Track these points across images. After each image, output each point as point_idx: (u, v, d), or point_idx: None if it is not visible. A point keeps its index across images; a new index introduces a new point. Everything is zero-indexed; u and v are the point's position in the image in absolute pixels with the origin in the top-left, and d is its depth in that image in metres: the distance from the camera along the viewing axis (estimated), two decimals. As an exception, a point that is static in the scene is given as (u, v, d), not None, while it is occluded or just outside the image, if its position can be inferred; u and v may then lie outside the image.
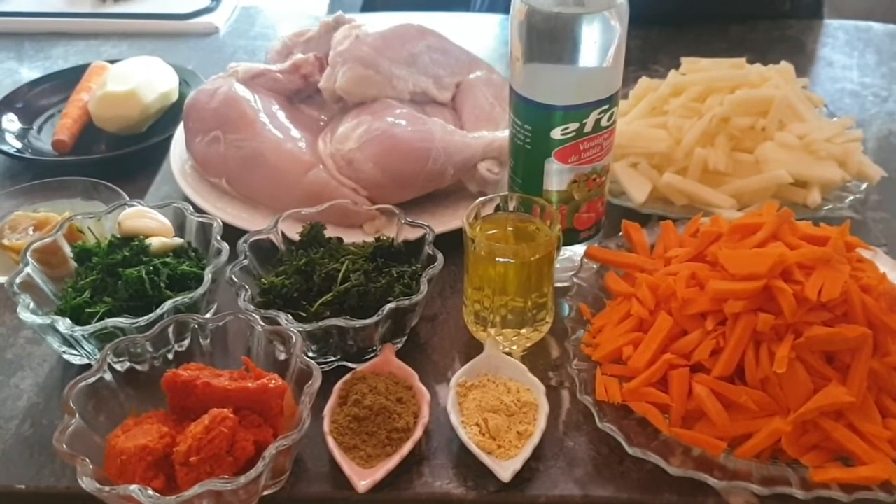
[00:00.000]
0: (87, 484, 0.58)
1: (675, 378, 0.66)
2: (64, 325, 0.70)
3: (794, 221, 0.72)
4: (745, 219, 0.73)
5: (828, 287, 0.65)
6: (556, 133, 0.74)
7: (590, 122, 0.73)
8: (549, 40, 0.70)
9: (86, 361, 0.76)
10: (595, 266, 0.81)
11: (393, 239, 0.80)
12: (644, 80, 1.04)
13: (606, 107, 0.73)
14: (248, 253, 0.78)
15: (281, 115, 0.95)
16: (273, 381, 0.65)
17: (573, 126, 0.73)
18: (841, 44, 1.35)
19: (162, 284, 0.75)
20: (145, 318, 0.71)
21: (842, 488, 0.61)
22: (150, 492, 0.57)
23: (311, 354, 0.74)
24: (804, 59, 1.31)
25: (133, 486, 0.57)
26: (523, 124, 0.75)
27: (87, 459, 0.59)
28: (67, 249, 0.81)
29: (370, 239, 0.82)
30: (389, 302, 0.72)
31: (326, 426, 0.68)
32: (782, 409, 0.65)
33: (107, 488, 0.57)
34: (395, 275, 0.76)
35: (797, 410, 0.64)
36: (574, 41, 0.69)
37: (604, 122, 0.74)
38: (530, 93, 0.73)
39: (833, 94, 1.20)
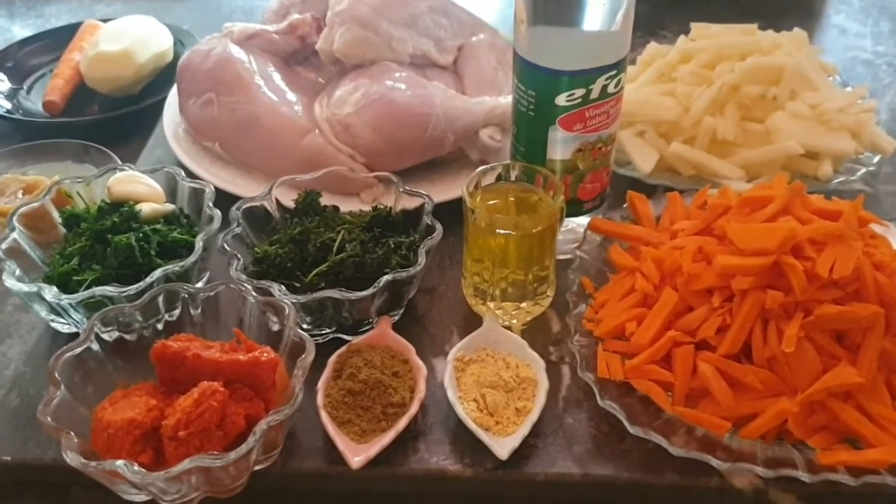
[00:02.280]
0: (72, 458, 0.56)
1: (679, 355, 0.64)
2: (50, 293, 0.68)
3: (806, 195, 0.69)
4: (755, 191, 0.71)
5: (840, 264, 0.62)
6: (561, 99, 0.71)
7: (596, 89, 0.70)
8: (555, 1, 0.67)
9: (74, 330, 0.74)
10: (598, 238, 0.78)
11: (391, 208, 0.78)
12: (652, 46, 1.01)
13: (614, 73, 0.71)
14: (240, 220, 0.76)
15: (276, 77, 0.93)
16: (265, 354, 0.63)
17: (579, 92, 0.70)
18: (855, 11, 1.32)
19: (152, 252, 0.73)
20: (134, 286, 0.69)
21: (849, 472, 0.59)
22: (137, 467, 0.55)
23: (304, 326, 0.72)
24: (817, 26, 1.27)
25: (119, 462, 0.55)
26: (527, 90, 0.73)
27: (72, 433, 0.57)
28: (55, 214, 0.78)
29: (367, 207, 0.80)
30: (386, 274, 0.69)
31: (320, 400, 0.66)
32: (789, 389, 0.63)
33: (92, 463, 0.55)
34: (393, 245, 0.73)
35: (805, 391, 0.62)
36: (581, 3, 0.66)
37: (611, 89, 0.71)
38: (535, 57, 0.70)
39: (845, 62, 1.17)
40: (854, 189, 0.86)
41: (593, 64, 0.69)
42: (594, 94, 0.71)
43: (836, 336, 0.63)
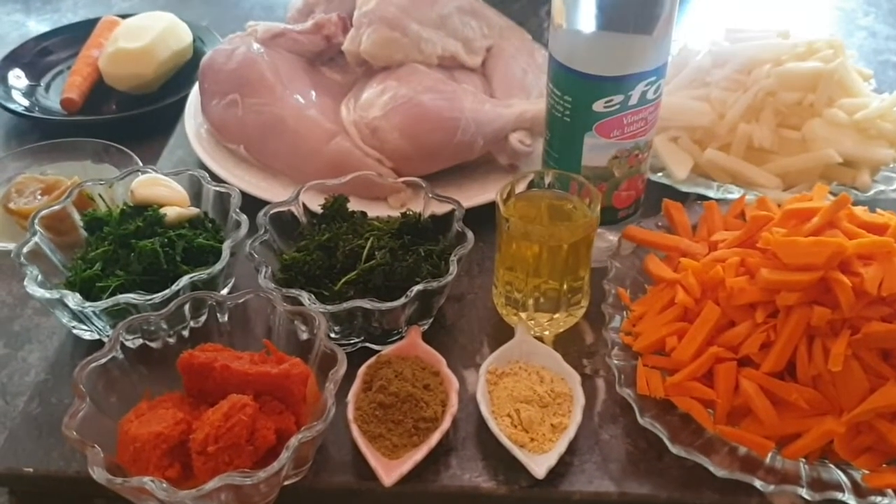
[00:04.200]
0: (99, 474, 0.54)
1: (721, 372, 0.62)
2: (74, 300, 0.66)
3: (851, 207, 0.67)
4: (798, 203, 0.68)
5: (888, 280, 0.60)
6: (599, 105, 0.69)
7: (635, 95, 0.69)
8: (595, 5, 0.65)
9: (96, 337, 0.72)
10: (632, 247, 0.76)
11: (420, 214, 0.76)
12: (683, 47, 0.98)
13: (654, 78, 0.69)
14: (268, 227, 0.74)
15: (302, 78, 0.90)
16: (296, 367, 0.61)
17: (617, 98, 0.68)
18: (884, 13, 1.29)
19: (177, 258, 0.71)
20: (160, 294, 0.67)
21: (898, 496, 0.58)
22: (165, 484, 0.53)
23: (333, 335, 0.70)
24: (845, 28, 1.25)
25: (147, 479, 0.53)
26: (563, 95, 0.71)
27: (98, 448, 0.55)
28: (77, 217, 0.77)
29: (394, 212, 0.78)
30: (417, 283, 0.68)
31: (351, 413, 0.64)
32: (835, 409, 0.61)
33: (119, 480, 0.54)
34: (423, 253, 0.72)
35: (851, 410, 0.60)
36: (623, 7, 0.64)
37: (650, 95, 0.69)
38: (572, 62, 0.68)
39: (876, 66, 1.14)
40: (891, 199, 0.84)
41: (633, 69, 0.67)
42: (633, 101, 0.69)
43: (883, 354, 0.61)
